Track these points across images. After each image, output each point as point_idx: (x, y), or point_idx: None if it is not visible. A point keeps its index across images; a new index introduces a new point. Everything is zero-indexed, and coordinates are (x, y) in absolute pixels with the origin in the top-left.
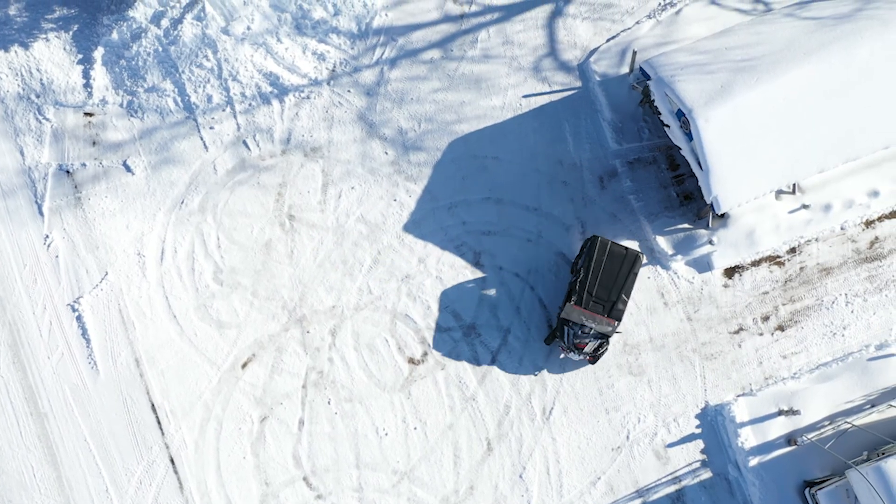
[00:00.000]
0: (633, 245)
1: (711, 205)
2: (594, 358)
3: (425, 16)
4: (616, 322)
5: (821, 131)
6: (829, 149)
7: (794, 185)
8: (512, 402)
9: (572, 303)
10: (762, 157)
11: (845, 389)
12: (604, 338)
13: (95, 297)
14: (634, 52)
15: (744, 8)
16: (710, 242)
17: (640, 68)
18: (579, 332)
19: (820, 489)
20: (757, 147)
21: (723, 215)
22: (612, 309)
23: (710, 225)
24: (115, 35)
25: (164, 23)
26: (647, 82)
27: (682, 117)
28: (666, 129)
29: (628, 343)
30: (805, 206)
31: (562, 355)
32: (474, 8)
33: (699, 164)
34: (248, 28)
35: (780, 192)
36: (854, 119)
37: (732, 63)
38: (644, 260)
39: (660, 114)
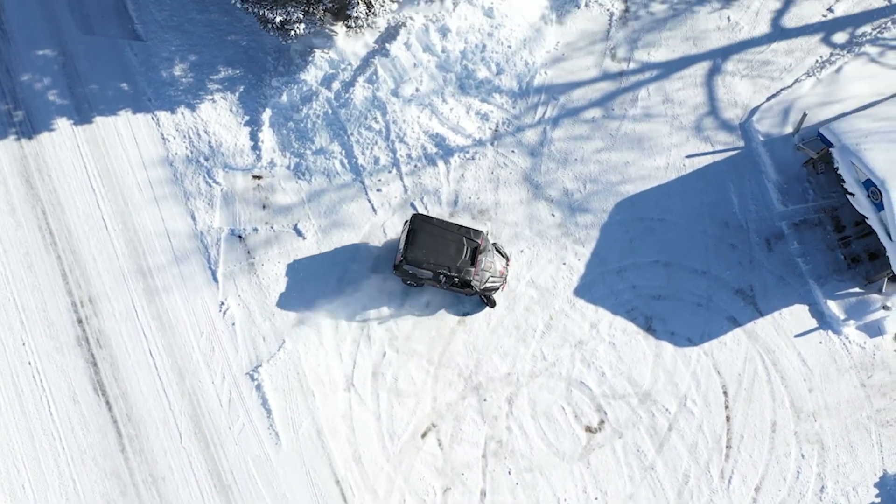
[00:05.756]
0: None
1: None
2: (506, 258)
3: (584, 73)
4: (478, 232)
5: None
6: None
7: None
8: (691, 471)
9: (471, 280)
10: None
11: None
12: (493, 245)
13: (274, 365)
14: (804, 114)
15: None
16: (885, 307)
17: (819, 133)
18: (493, 270)
19: None
20: None
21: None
22: (470, 236)
23: (884, 290)
24: (284, 97)
25: (336, 85)
26: (829, 149)
27: (871, 187)
28: (849, 196)
29: (804, 410)
30: None
31: (502, 291)
32: (632, 65)
33: (888, 234)
34: (417, 90)
35: None
36: None
37: None
38: (409, 218)
39: (843, 181)
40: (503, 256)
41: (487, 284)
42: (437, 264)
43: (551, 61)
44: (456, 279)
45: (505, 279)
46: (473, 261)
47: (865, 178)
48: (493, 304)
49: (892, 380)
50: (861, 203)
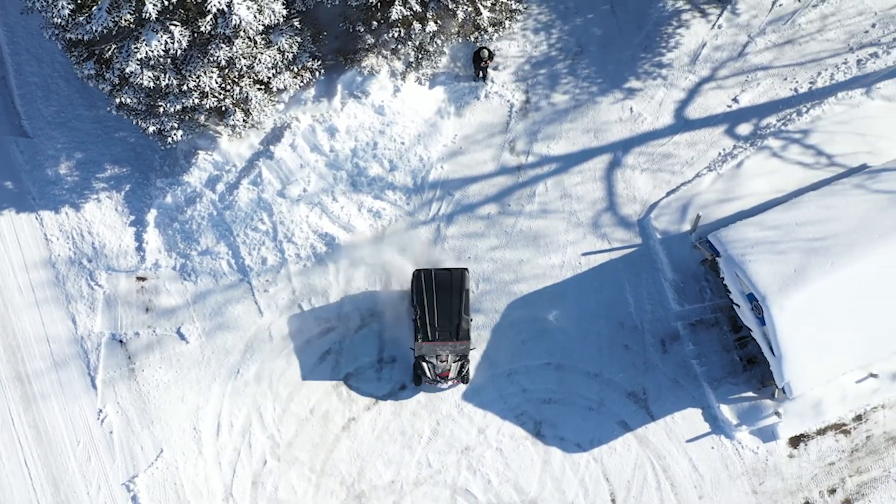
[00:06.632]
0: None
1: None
2: (463, 379)
3: (481, 167)
4: (466, 341)
5: None
6: None
7: None
8: None
9: (420, 340)
10: (837, 342)
11: None
12: (462, 358)
13: (151, 475)
14: (698, 216)
15: (806, 161)
16: (777, 414)
17: (708, 240)
18: (438, 363)
19: None
20: (831, 333)
21: None
22: (458, 331)
23: (776, 396)
24: (168, 198)
25: (220, 187)
26: (717, 259)
27: (754, 301)
28: (735, 307)
29: None
30: (873, 376)
31: (438, 387)
32: (531, 159)
33: (771, 349)
34: (305, 190)
35: None
36: None
37: (804, 242)
38: (469, 273)
39: (729, 291)
40: (461, 374)
41: (423, 365)
42: (422, 304)
43: (448, 155)
44: (416, 327)
45: (437, 383)
46: (438, 339)
47: (749, 291)
48: (417, 382)
49: (783, 486)
50: (746, 316)
